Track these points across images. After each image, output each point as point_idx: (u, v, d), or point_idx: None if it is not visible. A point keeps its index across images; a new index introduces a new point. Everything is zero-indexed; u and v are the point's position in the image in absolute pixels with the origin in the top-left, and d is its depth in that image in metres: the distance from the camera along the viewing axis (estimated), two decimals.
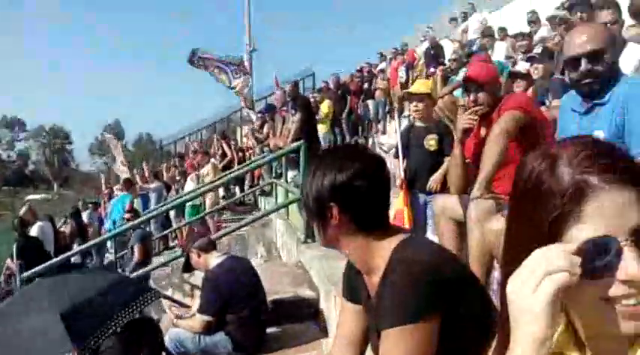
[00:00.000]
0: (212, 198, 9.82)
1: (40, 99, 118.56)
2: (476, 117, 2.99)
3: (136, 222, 6.80)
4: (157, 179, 12.03)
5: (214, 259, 3.81)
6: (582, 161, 0.70)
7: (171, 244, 10.94)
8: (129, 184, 11.65)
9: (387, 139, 4.45)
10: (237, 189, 11.86)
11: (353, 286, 1.59)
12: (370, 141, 11.24)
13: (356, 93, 12.34)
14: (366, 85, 12.32)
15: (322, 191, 1.41)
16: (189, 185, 10.30)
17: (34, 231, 8.84)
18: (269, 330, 3.98)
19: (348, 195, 1.40)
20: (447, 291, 1.31)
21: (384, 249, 1.42)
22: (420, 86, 4.12)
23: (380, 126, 11.50)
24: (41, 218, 9.61)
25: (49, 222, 9.69)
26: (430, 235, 3.75)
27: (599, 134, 2.19)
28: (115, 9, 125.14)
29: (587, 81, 2.20)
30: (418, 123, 4.02)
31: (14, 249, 8.03)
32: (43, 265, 5.36)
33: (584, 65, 2.18)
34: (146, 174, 12.51)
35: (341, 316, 1.71)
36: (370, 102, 11.78)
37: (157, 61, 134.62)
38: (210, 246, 3.94)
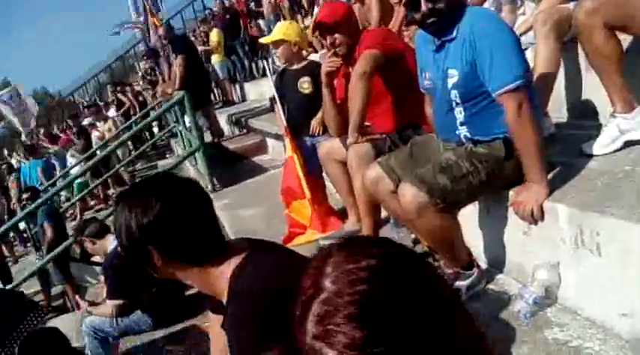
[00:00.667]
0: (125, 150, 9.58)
1: None
2: (338, 59, 2.90)
3: (35, 204, 6.39)
4: (55, 142, 11.36)
5: (110, 243, 3.66)
6: (317, 319, 0.53)
7: (91, 204, 10.60)
8: (32, 149, 10.97)
9: (280, 63, 4.27)
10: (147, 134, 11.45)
11: (212, 298, 1.48)
12: (270, 61, 10.89)
13: (245, 14, 11.73)
14: (252, 4, 11.69)
15: (132, 234, 1.30)
16: (70, 160, 9.74)
17: None
18: (190, 292, 3.95)
19: (161, 235, 1.28)
20: (282, 321, 1.25)
21: (222, 278, 1.33)
22: (272, 35, 3.91)
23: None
24: None
25: None
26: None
27: (453, 73, 2.14)
28: None
29: (430, 20, 2.10)
30: (289, 66, 3.85)
31: None
32: None
33: (423, 5, 2.07)
34: (42, 137, 11.76)
35: (211, 327, 1.65)
36: (262, 22, 11.25)
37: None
38: (103, 231, 3.77)
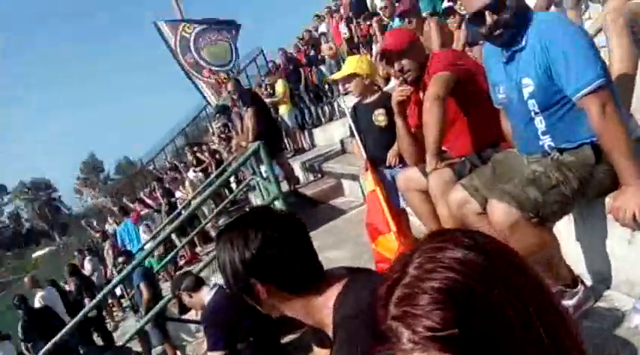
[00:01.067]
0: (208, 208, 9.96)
1: (7, 157, 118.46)
2: (407, 87, 2.90)
3: (130, 266, 6.69)
4: (144, 205, 11.98)
5: (206, 295, 3.75)
6: (397, 301, 0.56)
7: (180, 264, 10.97)
8: (125, 211, 11.61)
9: (350, 101, 4.27)
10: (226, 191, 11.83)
11: (317, 332, 1.49)
12: (336, 105, 11.07)
13: (305, 63, 12.09)
14: (312, 52, 12.06)
15: (235, 268, 1.32)
16: (143, 236, 10.20)
17: (37, 302, 8.70)
18: (287, 339, 3.98)
19: (263, 267, 1.31)
20: None
21: (325, 307, 1.33)
22: (343, 70, 3.96)
23: (341, 88, 11.29)
24: (44, 285, 9.51)
25: (52, 287, 9.57)
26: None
27: (528, 82, 2.10)
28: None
29: (497, 32, 2.08)
30: (362, 100, 3.89)
31: (19, 331, 7.88)
32: (57, 336, 5.47)
33: (488, 18, 2.06)
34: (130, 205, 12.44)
35: None
36: (323, 68, 11.56)
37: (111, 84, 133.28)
38: (198, 284, 3.88)
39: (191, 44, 10.15)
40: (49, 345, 5.46)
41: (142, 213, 11.28)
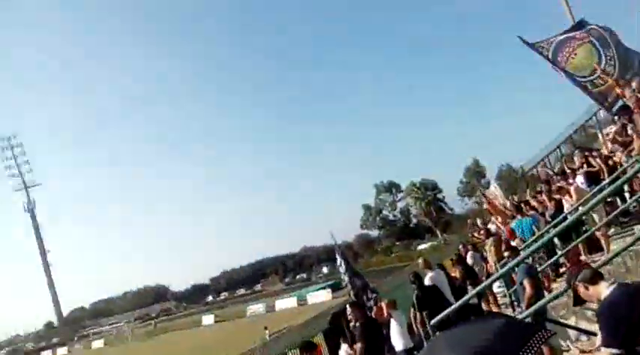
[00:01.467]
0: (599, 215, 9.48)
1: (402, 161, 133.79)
2: None
3: (514, 261, 6.95)
4: (529, 207, 12.10)
5: (604, 289, 3.70)
6: None
7: (561, 271, 10.71)
8: (518, 209, 12.03)
9: None
10: (617, 199, 10.93)
11: None
12: None
13: None
14: None
15: None
16: None
17: (427, 281, 9.87)
18: None
19: None
20: None
21: None
22: None
23: None
24: (433, 267, 10.68)
25: (441, 270, 10.65)
26: None
27: None
28: None
29: None
30: None
31: (414, 301, 9.23)
32: (445, 312, 6.11)
33: None
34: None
35: None
36: None
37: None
38: (596, 277, 3.85)
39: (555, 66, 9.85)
40: (437, 319, 6.14)
41: (530, 213, 11.39)
